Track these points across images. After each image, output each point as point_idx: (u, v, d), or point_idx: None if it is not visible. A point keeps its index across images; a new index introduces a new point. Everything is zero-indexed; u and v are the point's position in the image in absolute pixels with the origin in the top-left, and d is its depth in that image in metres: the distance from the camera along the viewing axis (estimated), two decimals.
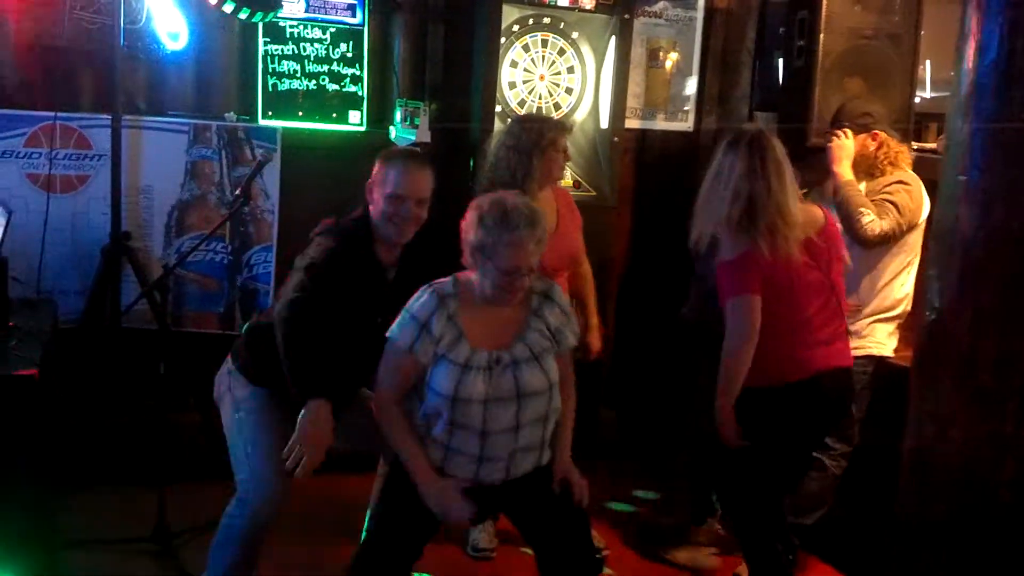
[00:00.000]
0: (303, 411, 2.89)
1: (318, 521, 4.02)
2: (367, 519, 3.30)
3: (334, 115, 4.91)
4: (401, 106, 4.81)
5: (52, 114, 4.34)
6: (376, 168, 3.22)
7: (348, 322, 3.08)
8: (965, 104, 1.88)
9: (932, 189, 3.87)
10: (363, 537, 3.16)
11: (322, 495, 4.02)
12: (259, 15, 4.35)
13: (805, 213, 3.31)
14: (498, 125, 4.83)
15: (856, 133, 4.01)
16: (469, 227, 2.77)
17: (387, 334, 2.85)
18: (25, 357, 3.30)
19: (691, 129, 5.40)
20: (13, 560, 2.39)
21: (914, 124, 4.57)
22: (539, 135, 3.74)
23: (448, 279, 2.85)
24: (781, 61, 4.99)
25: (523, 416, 2.79)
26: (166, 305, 3.90)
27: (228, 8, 4.20)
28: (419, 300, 2.82)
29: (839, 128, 4.06)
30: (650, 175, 5.37)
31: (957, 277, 1.92)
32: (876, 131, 3.99)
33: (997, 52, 1.77)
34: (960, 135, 1.90)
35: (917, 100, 4.67)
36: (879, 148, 3.98)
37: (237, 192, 3.94)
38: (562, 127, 3.95)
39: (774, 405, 3.24)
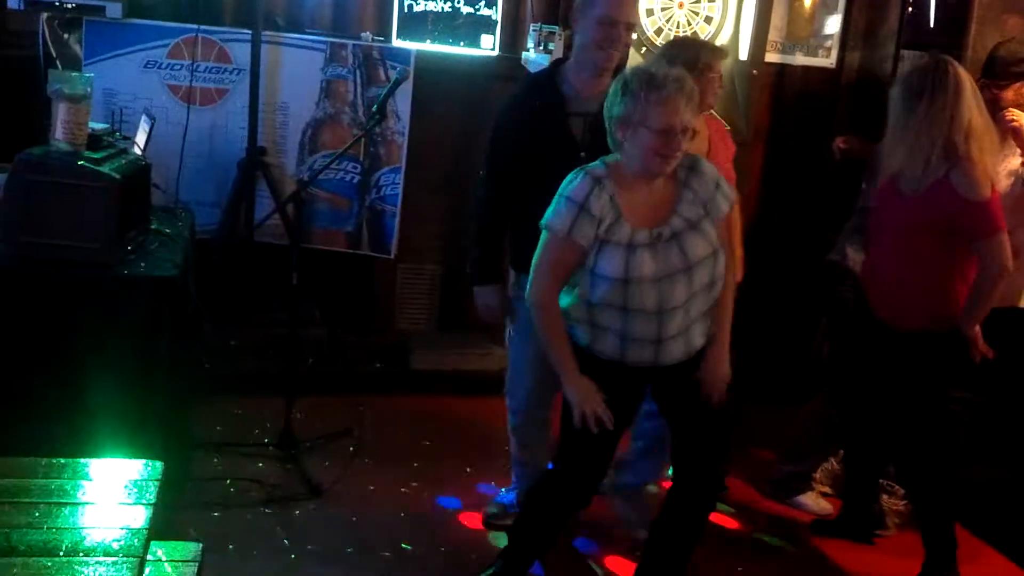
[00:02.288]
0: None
1: None
2: None
3: (467, 39, 4.88)
4: (535, 31, 4.73)
5: (195, 27, 4.40)
6: None
7: (549, 167, 2.97)
8: None
9: None
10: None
11: None
12: None
13: None
14: (632, 53, 4.74)
15: (1012, 82, 3.72)
16: (614, 102, 2.69)
17: (541, 222, 2.78)
18: (165, 260, 3.39)
19: (833, 66, 5.19)
20: (148, 457, 2.46)
21: None
22: (694, 58, 3.63)
23: (596, 162, 2.79)
24: None
25: (694, 285, 2.74)
26: (299, 221, 3.94)
27: None
28: (571, 183, 2.75)
29: (991, 78, 3.77)
30: (787, 112, 5.20)
31: None
32: None
33: None
34: None
35: None
36: None
37: (373, 110, 3.94)
38: (718, 51, 3.83)
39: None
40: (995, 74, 3.75)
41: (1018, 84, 3.71)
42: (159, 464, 2.18)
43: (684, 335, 2.80)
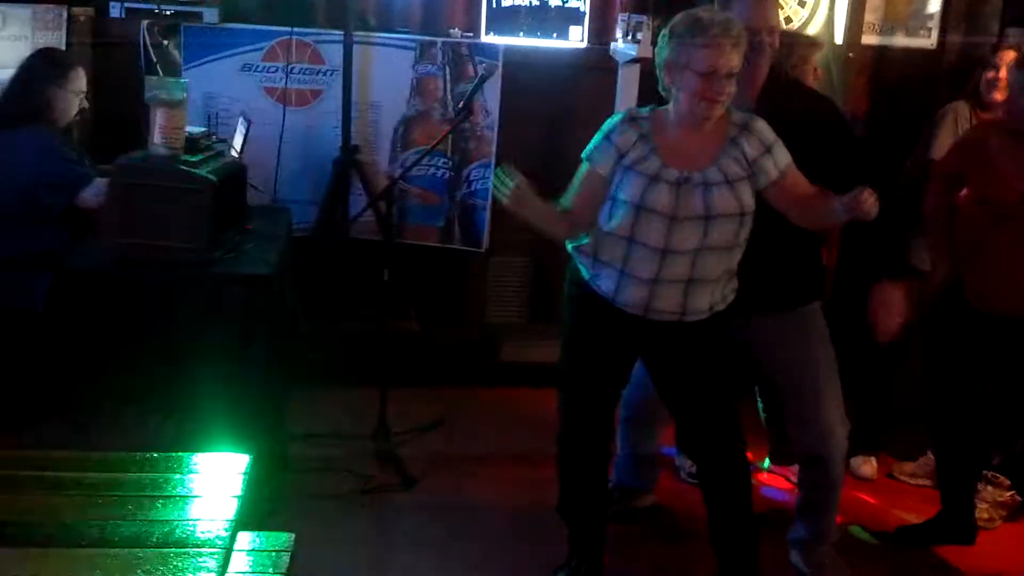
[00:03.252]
0: None
1: None
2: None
3: (555, 32, 4.89)
4: (624, 21, 4.71)
5: (288, 29, 4.51)
6: None
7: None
8: None
9: None
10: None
11: None
12: None
13: None
14: None
15: None
16: (661, 48, 2.74)
17: None
18: (261, 259, 3.50)
19: (934, 47, 5.03)
20: (244, 446, 2.55)
21: None
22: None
23: (645, 107, 2.88)
24: None
25: (709, 239, 2.73)
26: (391, 216, 4.01)
27: None
28: (612, 119, 2.87)
29: None
30: (887, 96, 5.05)
31: None
32: None
33: None
34: None
35: None
36: None
37: (459, 105, 3.99)
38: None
39: None
40: None
41: None
42: (249, 456, 2.26)
43: (683, 288, 2.77)
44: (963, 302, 3.37)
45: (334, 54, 4.51)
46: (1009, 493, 3.75)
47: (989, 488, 3.76)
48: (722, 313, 2.89)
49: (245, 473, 2.17)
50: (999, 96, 3.82)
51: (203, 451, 2.34)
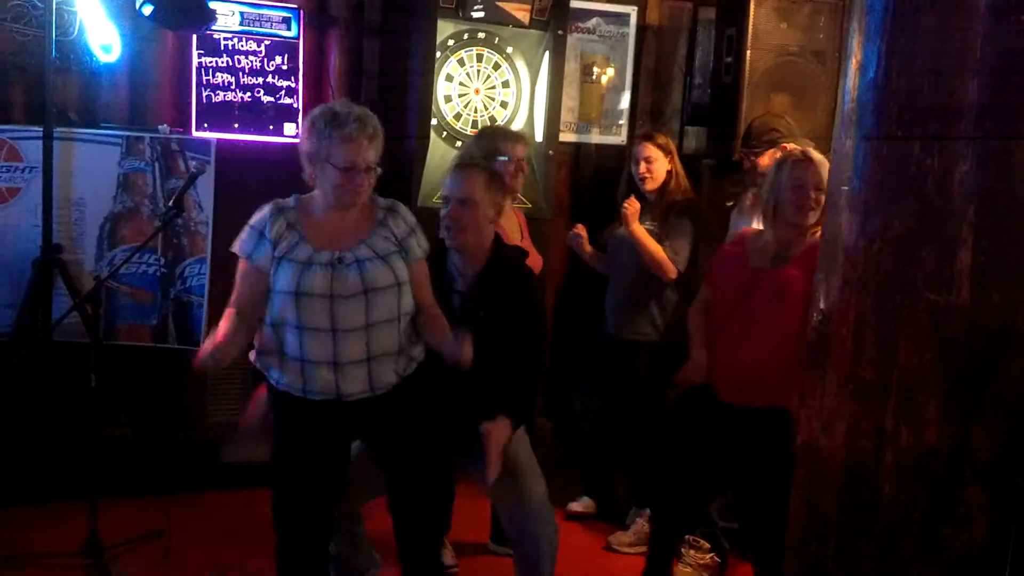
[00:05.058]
0: None
1: None
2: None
3: (270, 127, 4.94)
4: None
5: None
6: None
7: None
8: (848, 119, 1.99)
9: None
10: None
11: None
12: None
13: None
14: (434, 138, 4.89)
15: (765, 149, 4.08)
16: (303, 139, 2.87)
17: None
18: None
19: (624, 143, 5.49)
20: None
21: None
22: (493, 146, 3.76)
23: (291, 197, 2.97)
24: (711, 77, 5.12)
25: (372, 313, 2.83)
26: (98, 318, 3.87)
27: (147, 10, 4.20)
28: (258, 212, 2.93)
29: (750, 147, 4.14)
30: (585, 188, 5.46)
31: (841, 280, 2.00)
32: (785, 144, 4.02)
33: (875, 71, 1.88)
34: (843, 147, 2.00)
35: None
36: None
37: (169, 204, 3.94)
38: (517, 138, 3.99)
39: None
40: (751, 144, 4.13)
41: (772, 151, 4.05)
42: None
43: (366, 366, 2.87)
44: (708, 390, 3.51)
45: (33, 151, 4.34)
46: (709, 555, 4.05)
47: (692, 552, 4.05)
48: (414, 375, 3.00)
49: None
50: (649, 186, 4.25)
51: None
